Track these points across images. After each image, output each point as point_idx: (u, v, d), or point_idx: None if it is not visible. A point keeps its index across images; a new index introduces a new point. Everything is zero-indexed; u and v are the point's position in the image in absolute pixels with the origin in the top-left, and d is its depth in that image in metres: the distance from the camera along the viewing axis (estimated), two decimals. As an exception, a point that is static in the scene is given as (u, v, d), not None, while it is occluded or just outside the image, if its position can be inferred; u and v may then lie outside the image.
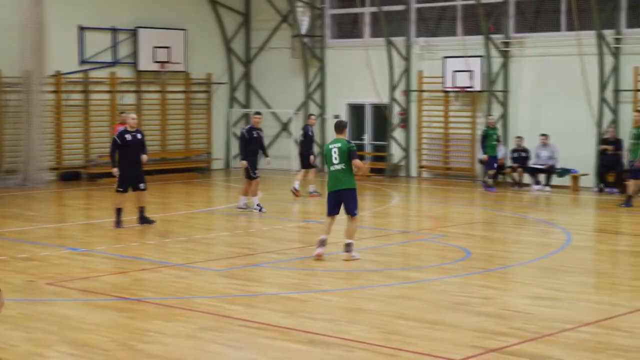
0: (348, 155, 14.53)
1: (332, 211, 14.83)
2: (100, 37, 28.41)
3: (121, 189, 18.13)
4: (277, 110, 31.57)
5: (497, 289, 12.75)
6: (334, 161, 14.58)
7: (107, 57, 28.65)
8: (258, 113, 21.81)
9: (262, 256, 15.27)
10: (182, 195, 24.99)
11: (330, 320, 10.79)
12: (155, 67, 29.28)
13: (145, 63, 29.12)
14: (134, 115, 18.55)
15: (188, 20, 30.26)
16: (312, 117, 24.25)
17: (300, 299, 12.00)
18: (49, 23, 25.94)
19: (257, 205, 20.44)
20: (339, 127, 14.93)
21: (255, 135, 20.92)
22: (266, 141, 31.75)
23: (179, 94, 30.57)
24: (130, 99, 29.16)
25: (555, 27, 26.03)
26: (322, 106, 30.41)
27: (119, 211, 18.07)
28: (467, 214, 21.36)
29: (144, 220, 18.31)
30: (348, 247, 14.72)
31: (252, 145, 20.79)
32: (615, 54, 24.78)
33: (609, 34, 24.78)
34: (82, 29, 27.94)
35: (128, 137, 18.04)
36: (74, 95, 27.94)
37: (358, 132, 30.11)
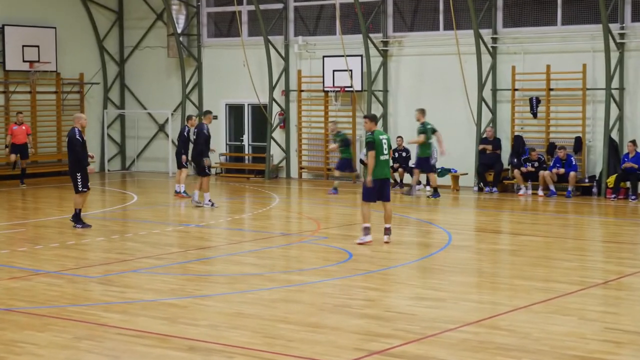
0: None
1: (375, 197, 16.27)
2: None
3: (86, 189, 18.47)
4: (153, 111, 31.25)
5: (380, 290, 12.90)
6: (384, 151, 16.11)
7: (-27, 56, 27.86)
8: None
9: (140, 262, 15.07)
10: (55, 199, 24.46)
11: (211, 325, 10.72)
12: (24, 66, 28.60)
13: (14, 62, 28.40)
14: (85, 116, 19.22)
15: (58, 18, 29.68)
16: (193, 117, 23.81)
17: (179, 305, 11.89)
18: None
19: (209, 200, 21.66)
20: (376, 119, 16.85)
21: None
22: (143, 142, 31.53)
23: (49, 94, 29.93)
24: (-2, 99, 28.44)
25: (434, 27, 26.50)
26: (199, 106, 30.23)
27: (80, 210, 18.56)
28: (348, 215, 21.53)
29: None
30: (389, 231, 16.39)
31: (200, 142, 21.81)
32: (493, 53, 25.39)
33: (486, 33, 25.36)
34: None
35: (83, 137, 18.58)
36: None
37: (237, 133, 30.05)
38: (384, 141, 16.23)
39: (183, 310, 11.59)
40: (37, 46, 28.75)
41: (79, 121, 18.59)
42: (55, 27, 29.25)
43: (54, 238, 17.32)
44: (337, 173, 25.29)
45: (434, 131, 23.46)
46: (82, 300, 12.19)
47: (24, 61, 28.52)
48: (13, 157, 26.46)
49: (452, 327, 10.55)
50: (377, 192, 16.26)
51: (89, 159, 18.87)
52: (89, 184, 18.69)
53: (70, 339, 10.16)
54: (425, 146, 23.40)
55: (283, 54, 28.67)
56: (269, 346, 9.80)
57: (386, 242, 16.27)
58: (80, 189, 18.37)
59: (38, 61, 28.73)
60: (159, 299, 12.23)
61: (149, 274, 14.11)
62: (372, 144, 16.02)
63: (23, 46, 28.44)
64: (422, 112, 23.47)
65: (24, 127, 26.56)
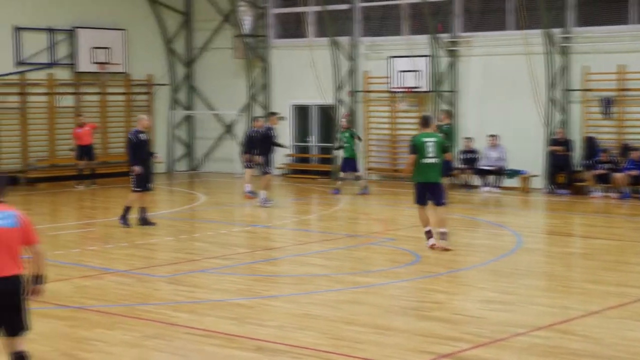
0: (443, 149, 15.91)
1: (424, 200, 15.97)
2: (37, 37, 28.07)
3: (139, 189, 18.71)
4: (220, 112, 31.46)
5: (448, 293, 12.82)
6: (428, 154, 15.55)
7: (45, 58, 28.31)
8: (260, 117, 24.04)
9: (208, 262, 15.19)
10: (123, 199, 24.71)
11: (278, 326, 10.76)
12: (94, 68, 29.01)
13: (84, 64, 28.83)
14: (146, 117, 19.42)
15: (127, 20, 30.03)
16: (259, 119, 24.03)
17: (247, 305, 11.95)
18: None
19: (265, 199, 21.91)
20: (428, 121, 16.08)
21: (253, 135, 23.02)
22: (210, 143, 31.75)
23: (119, 95, 30.32)
24: (69, 101, 28.86)
25: (502, 26, 26.28)
26: (266, 107, 30.37)
27: (128, 209, 18.79)
28: (415, 216, 21.39)
29: (145, 221, 18.77)
30: (445, 236, 15.78)
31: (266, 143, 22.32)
32: (564, 53, 25.08)
33: (557, 32, 25.06)
34: (17, 29, 27.57)
35: (143, 136, 18.82)
36: (10, 97, 27.56)
37: (303, 134, 30.13)
38: (429, 144, 15.58)
39: (250, 311, 11.65)
40: (107, 48, 29.14)
41: (140, 122, 18.99)
42: (124, 30, 29.61)
43: (124, 237, 17.53)
44: (341, 174, 25.31)
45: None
46: (151, 300, 12.33)
47: (94, 63, 28.93)
48: (82, 163, 26.88)
49: (522, 331, 10.45)
50: (425, 195, 15.87)
51: (154, 158, 19.13)
52: (148, 184, 18.90)
53: (140, 337, 10.27)
54: None
55: (350, 55, 28.66)
56: (336, 347, 9.80)
57: (445, 249, 15.71)
58: (133, 189, 18.62)
59: (108, 63, 29.12)
60: (226, 299, 12.31)
61: (217, 274, 14.20)
62: (412, 147, 15.75)
63: (93, 48, 28.84)
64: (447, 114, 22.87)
65: (87, 128, 26.89)
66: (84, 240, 17.47)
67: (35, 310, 11.44)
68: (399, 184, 27.05)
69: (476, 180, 25.81)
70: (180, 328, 10.67)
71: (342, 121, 25.97)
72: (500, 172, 25.33)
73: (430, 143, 15.62)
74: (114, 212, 20.57)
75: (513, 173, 25.26)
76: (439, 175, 15.83)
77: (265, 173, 22.27)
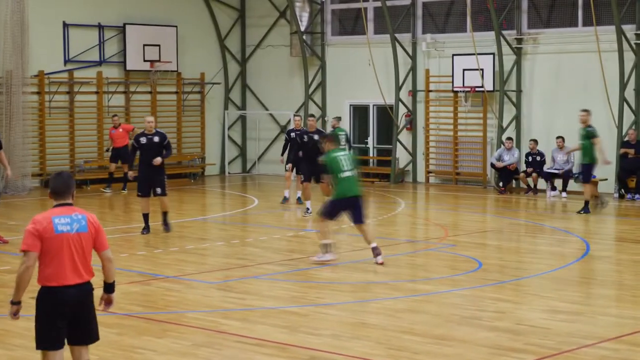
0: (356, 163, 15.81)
1: (333, 216, 15.48)
2: (86, 34, 28.42)
3: (140, 193, 18.63)
4: (274, 112, 31.58)
5: (511, 302, 12.73)
6: (344, 168, 15.31)
7: (94, 56, 28.66)
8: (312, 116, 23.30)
9: (260, 267, 15.25)
10: (174, 203, 24.92)
11: (333, 335, 10.77)
12: (144, 66, 29.27)
13: (134, 62, 29.10)
14: (149, 119, 19.07)
15: (179, 16, 30.27)
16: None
17: (300, 313, 11.98)
18: (31, 20, 25.97)
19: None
20: (335, 139, 16.31)
21: (305, 140, 21.67)
22: (265, 144, 31.87)
23: (170, 94, 30.58)
24: (118, 100, 29.17)
25: (572, 23, 26.05)
26: (322, 107, 30.43)
27: (144, 217, 18.66)
28: (478, 221, 21.35)
29: (165, 225, 18.75)
30: (377, 250, 15.26)
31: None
32: (637, 50, 24.78)
33: (629, 29, 24.77)
34: (66, 25, 27.93)
35: (143, 139, 18.55)
36: (58, 96, 27.93)
37: (362, 135, 30.13)
38: (342, 158, 15.41)
39: (304, 319, 11.68)
40: (158, 45, 29.38)
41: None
42: (176, 26, 29.85)
43: (174, 242, 17.67)
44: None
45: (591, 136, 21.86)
46: (201, 307, 12.41)
47: (144, 61, 29.19)
48: (112, 166, 26.75)
49: (589, 342, 10.35)
50: (340, 211, 15.45)
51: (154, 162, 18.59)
52: (149, 190, 18.51)
53: (189, 345, 10.35)
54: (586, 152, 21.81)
55: (410, 53, 28.61)
56: (393, 358, 9.80)
57: (380, 264, 15.10)
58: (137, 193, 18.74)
59: (159, 60, 29.37)
60: (279, 307, 12.36)
61: (270, 280, 14.26)
62: (327, 167, 15.51)
63: (144, 45, 29.10)
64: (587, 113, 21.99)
65: (121, 130, 26.67)
66: (132, 245, 17.62)
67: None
68: (460, 188, 26.93)
69: (542, 184, 25.58)
70: (231, 336, 10.74)
71: (333, 121, 25.36)
72: (567, 175, 25.08)
73: (343, 157, 15.47)
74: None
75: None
76: (359, 188, 15.58)
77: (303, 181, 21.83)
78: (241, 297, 13.02)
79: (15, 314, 7.77)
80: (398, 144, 28.95)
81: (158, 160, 18.31)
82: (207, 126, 31.56)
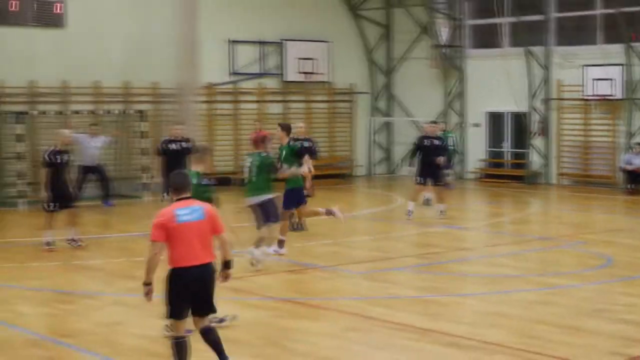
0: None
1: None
2: (249, 49, 28.91)
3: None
4: (417, 119, 31.43)
5: (638, 296, 12.32)
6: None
7: (255, 69, 29.13)
8: (434, 122, 22.11)
9: (402, 260, 15.21)
10: (327, 200, 25.09)
11: (470, 323, 10.66)
12: (300, 77, 29.61)
13: (291, 74, 29.48)
14: (177, 126, 18.86)
15: (332, 33, 30.47)
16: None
17: (440, 302, 11.90)
18: (201, 37, 26.53)
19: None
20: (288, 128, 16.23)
21: (427, 144, 20.37)
22: (407, 148, 31.73)
23: (322, 103, 30.81)
24: (276, 108, 29.55)
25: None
26: (461, 114, 30.15)
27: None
28: (608, 221, 20.75)
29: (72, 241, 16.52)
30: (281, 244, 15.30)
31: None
32: None
33: None
34: (232, 42, 28.48)
35: (173, 146, 18.42)
36: (223, 105, 28.49)
37: (497, 140, 29.71)
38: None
39: (444, 308, 11.60)
40: (312, 59, 29.66)
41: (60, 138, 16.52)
42: (329, 41, 30.06)
43: (327, 234, 17.72)
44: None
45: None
46: (349, 294, 12.47)
47: (300, 73, 29.51)
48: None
49: None
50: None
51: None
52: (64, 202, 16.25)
53: (340, 329, 10.41)
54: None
55: (543, 64, 28.05)
56: (527, 346, 9.62)
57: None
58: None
59: (313, 73, 29.63)
60: (420, 296, 12.31)
61: (411, 272, 14.21)
62: (289, 157, 15.46)
63: (299, 59, 29.43)
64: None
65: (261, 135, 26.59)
66: (291, 238, 17.78)
67: (244, 301, 11.84)
68: (590, 189, 26.24)
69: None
70: (376, 322, 10.75)
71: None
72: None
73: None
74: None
75: None
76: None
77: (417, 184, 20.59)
78: (385, 286, 13.02)
79: (147, 294, 8.26)
80: (532, 148, 28.41)
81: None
82: (356, 132, 31.67)
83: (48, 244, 15.99)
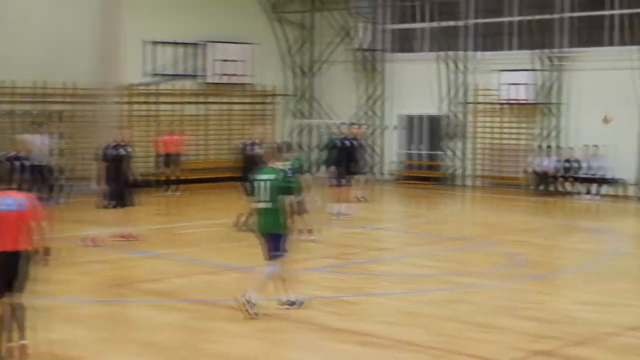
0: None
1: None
2: (170, 50, 28.47)
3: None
4: (337, 121, 31.47)
5: (547, 294, 12.64)
6: (260, 195, 11.26)
7: (176, 70, 28.73)
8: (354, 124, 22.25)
9: (319, 261, 15.25)
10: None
11: (384, 322, 10.77)
12: (222, 79, 29.40)
13: (213, 76, 29.23)
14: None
15: (253, 35, 30.28)
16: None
17: (355, 302, 11.99)
18: (122, 37, 26.17)
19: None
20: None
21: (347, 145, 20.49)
22: (325, 151, 31.81)
23: (243, 105, 30.66)
24: (196, 110, 29.25)
25: (608, 42, 25.83)
26: (381, 117, 30.38)
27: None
28: (520, 221, 21.12)
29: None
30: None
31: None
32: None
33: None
34: (153, 42, 28.05)
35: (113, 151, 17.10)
36: (142, 106, 28.16)
37: (413, 143, 30.01)
38: (262, 183, 11.12)
39: (358, 307, 11.70)
40: (235, 61, 29.46)
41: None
42: (250, 43, 29.91)
43: (246, 235, 17.61)
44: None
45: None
46: (266, 295, 12.42)
47: (221, 75, 29.34)
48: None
49: (617, 331, 10.26)
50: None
51: None
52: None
53: (256, 330, 10.38)
54: None
55: (461, 68, 28.45)
56: (439, 343, 9.76)
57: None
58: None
59: (235, 75, 29.48)
60: (336, 296, 12.37)
61: (327, 272, 14.25)
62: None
63: (221, 60, 29.24)
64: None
65: (175, 137, 26.47)
66: (206, 239, 17.71)
67: (161, 304, 11.76)
68: (504, 191, 26.70)
69: (578, 188, 25.27)
70: (292, 322, 10.76)
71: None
72: (602, 180, 24.78)
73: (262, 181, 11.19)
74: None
75: (613, 181, 24.73)
76: (268, 223, 11.27)
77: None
78: (301, 286, 12.99)
79: None
80: (448, 150, 28.77)
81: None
82: (277, 133, 31.66)
83: None
